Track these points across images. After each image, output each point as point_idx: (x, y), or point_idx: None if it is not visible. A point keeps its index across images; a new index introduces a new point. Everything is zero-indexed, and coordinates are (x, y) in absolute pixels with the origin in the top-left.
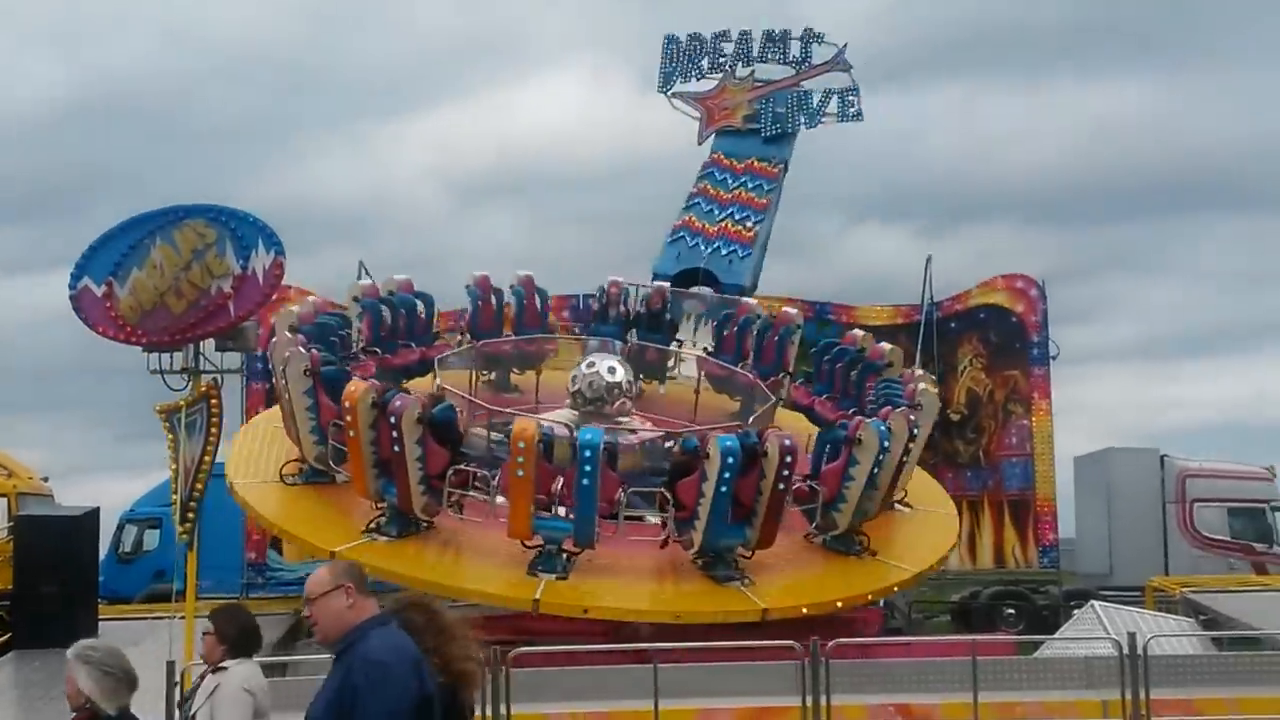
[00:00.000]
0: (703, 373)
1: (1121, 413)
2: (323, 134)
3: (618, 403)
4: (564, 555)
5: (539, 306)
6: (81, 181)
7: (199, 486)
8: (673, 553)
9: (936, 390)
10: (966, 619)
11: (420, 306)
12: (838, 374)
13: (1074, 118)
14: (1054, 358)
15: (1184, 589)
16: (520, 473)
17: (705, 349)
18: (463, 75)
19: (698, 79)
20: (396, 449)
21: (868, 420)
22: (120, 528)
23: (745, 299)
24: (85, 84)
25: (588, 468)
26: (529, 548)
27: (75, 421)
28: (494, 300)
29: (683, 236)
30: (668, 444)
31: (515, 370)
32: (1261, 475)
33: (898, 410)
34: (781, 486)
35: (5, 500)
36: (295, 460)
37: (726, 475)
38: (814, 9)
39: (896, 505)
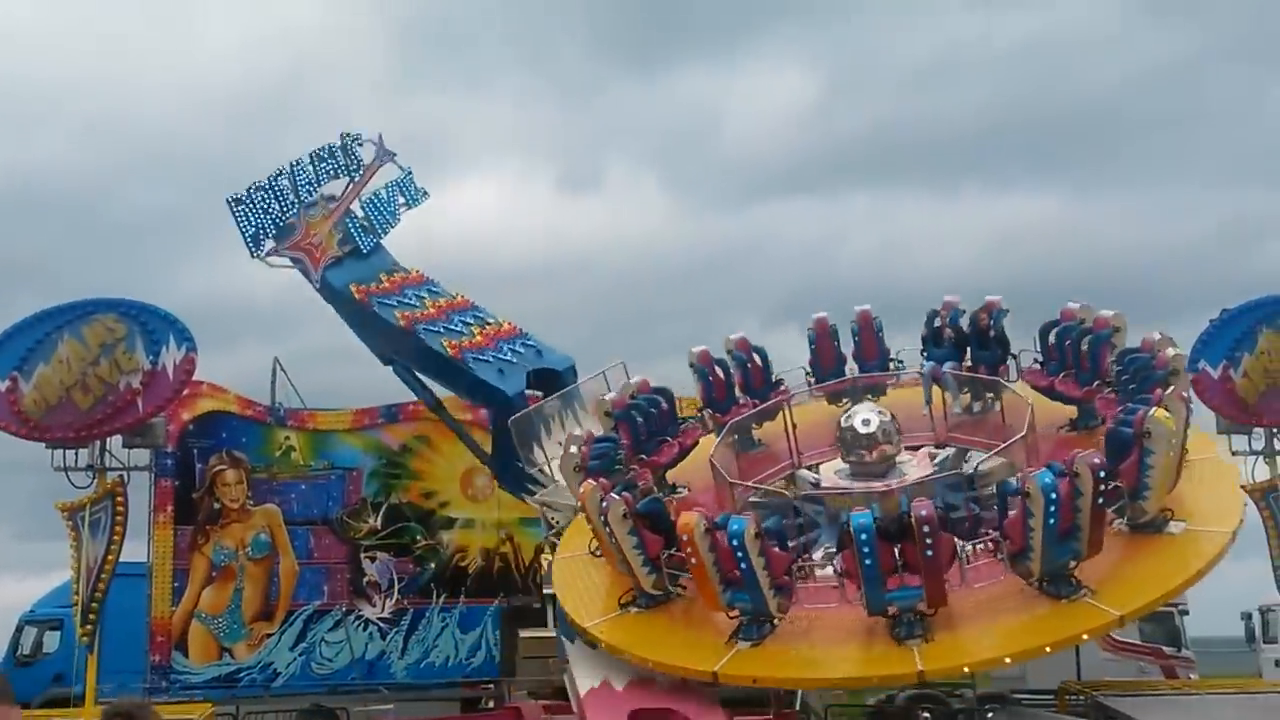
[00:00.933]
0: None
1: None
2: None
3: (875, 451)
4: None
5: (760, 364)
6: None
7: (101, 588)
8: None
9: (1176, 417)
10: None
11: (662, 402)
12: (1068, 351)
13: (983, 226)
14: None
15: (1096, 692)
16: (693, 560)
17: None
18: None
19: (280, 228)
20: (743, 566)
21: (1150, 412)
22: (19, 629)
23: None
24: (1, 178)
25: (739, 554)
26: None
27: None
28: (719, 371)
29: (477, 358)
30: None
31: (754, 426)
32: None
33: (1169, 391)
34: (1101, 501)
35: None
36: (629, 590)
37: (1052, 509)
38: (738, 116)
39: (1164, 523)
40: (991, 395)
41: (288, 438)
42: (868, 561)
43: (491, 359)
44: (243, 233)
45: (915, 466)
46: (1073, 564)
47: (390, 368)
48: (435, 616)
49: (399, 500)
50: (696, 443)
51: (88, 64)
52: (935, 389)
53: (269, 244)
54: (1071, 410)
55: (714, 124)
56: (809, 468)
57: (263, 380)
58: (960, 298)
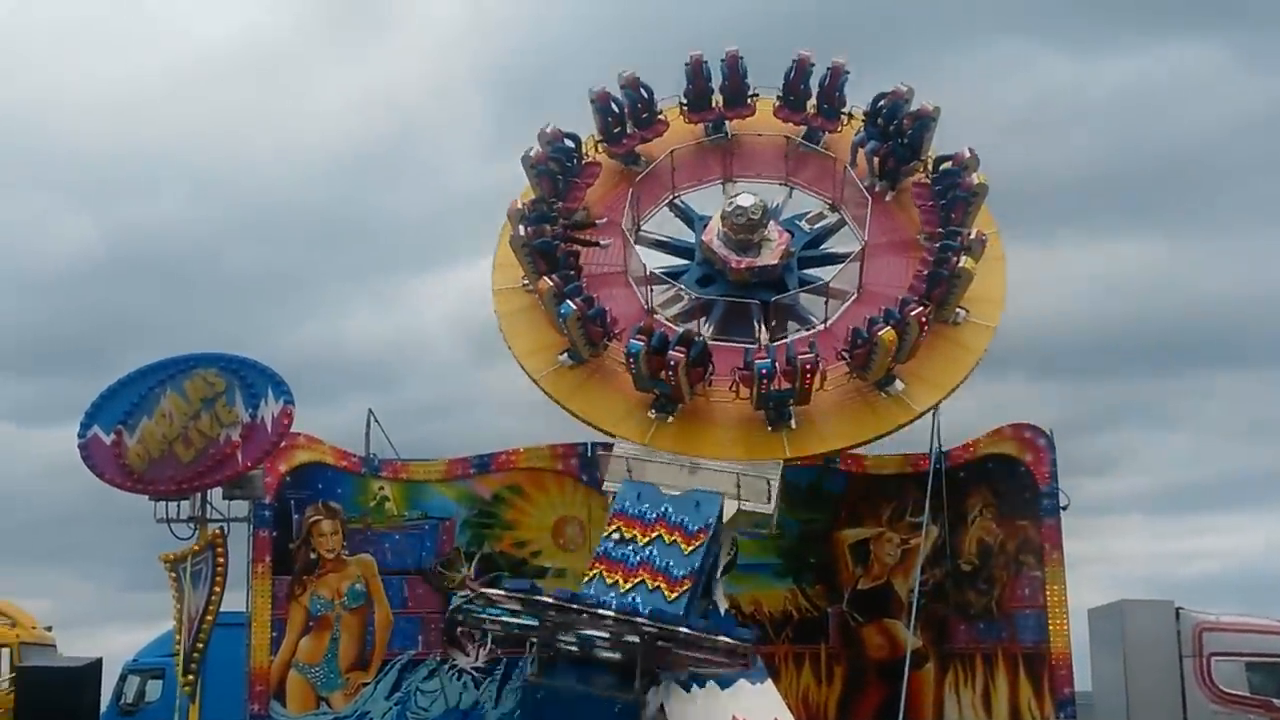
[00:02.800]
0: None
1: (1135, 564)
2: (348, 286)
3: (742, 235)
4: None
5: (740, 78)
6: (106, 334)
7: (203, 637)
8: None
9: (974, 265)
10: None
11: (643, 94)
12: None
13: (1080, 274)
14: (1064, 508)
15: None
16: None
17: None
18: (488, 230)
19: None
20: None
21: (881, 332)
22: (123, 678)
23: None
24: (116, 240)
25: (633, 363)
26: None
27: (83, 571)
28: (704, 75)
29: None
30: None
31: (730, 118)
32: (1279, 629)
33: (915, 312)
34: (805, 385)
35: (8, 651)
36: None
37: (760, 388)
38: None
39: (952, 315)
40: (888, 184)
41: (382, 488)
42: (634, 370)
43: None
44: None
45: (772, 249)
46: (790, 404)
47: None
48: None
49: (492, 550)
50: (597, 177)
51: (200, 126)
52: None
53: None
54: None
55: None
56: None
57: (358, 432)
58: (910, 89)
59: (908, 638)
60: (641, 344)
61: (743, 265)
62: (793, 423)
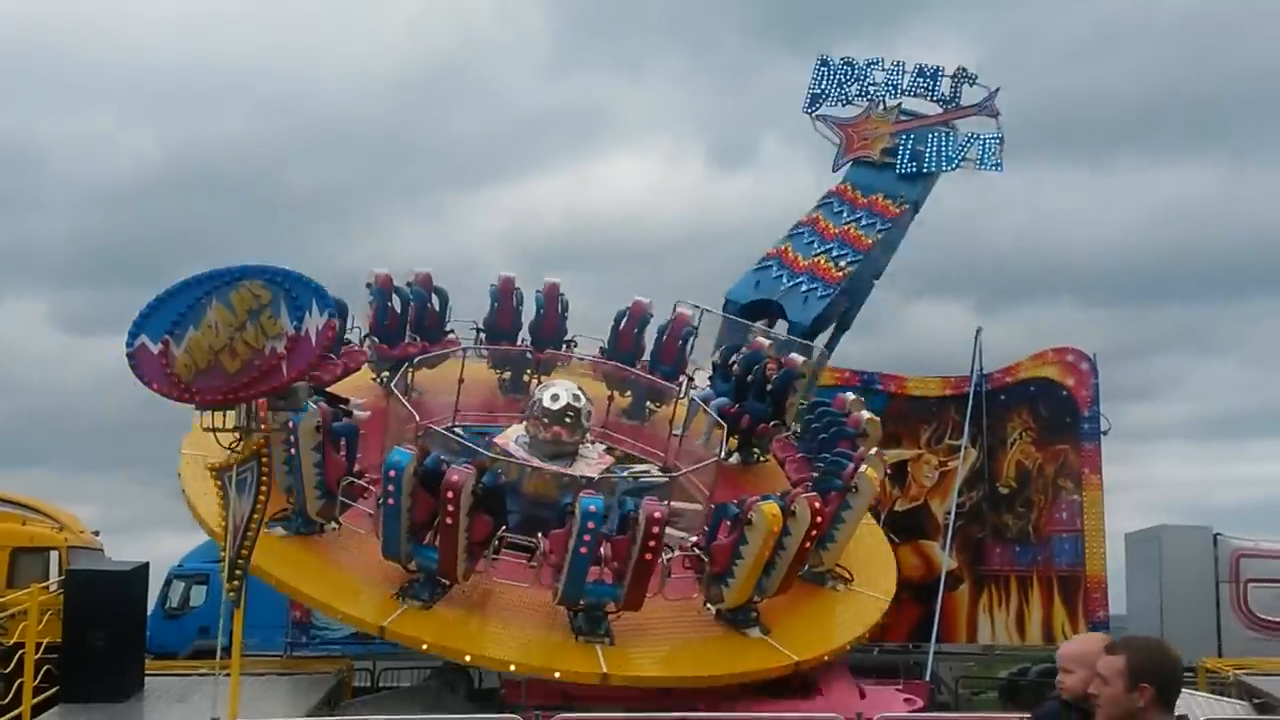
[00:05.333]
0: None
1: (1175, 490)
2: (404, 203)
3: (553, 430)
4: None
5: (559, 315)
6: (164, 247)
7: (248, 544)
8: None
9: (880, 477)
10: (1015, 695)
11: (435, 301)
12: (816, 435)
13: (1138, 200)
14: (1105, 433)
15: (1238, 671)
16: (390, 502)
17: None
18: (544, 149)
19: (844, 104)
20: (449, 521)
21: (762, 503)
22: (168, 583)
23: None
24: (176, 155)
25: (390, 489)
26: (408, 571)
27: (133, 477)
28: (514, 302)
29: (770, 266)
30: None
31: (529, 373)
32: None
33: (807, 495)
34: (648, 556)
35: (56, 554)
36: (284, 509)
37: (586, 537)
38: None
39: (831, 579)
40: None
41: None
42: (583, 550)
43: (763, 274)
44: (810, 86)
45: (591, 462)
46: (610, 606)
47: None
48: None
49: None
50: (360, 366)
51: (264, 44)
52: (699, 418)
53: (825, 109)
54: None
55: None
56: (465, 427)
57: None
58: (772, 344)
59: (943, 559)
60: (411, 454)
61: (548, 473)
62: (608, 638)
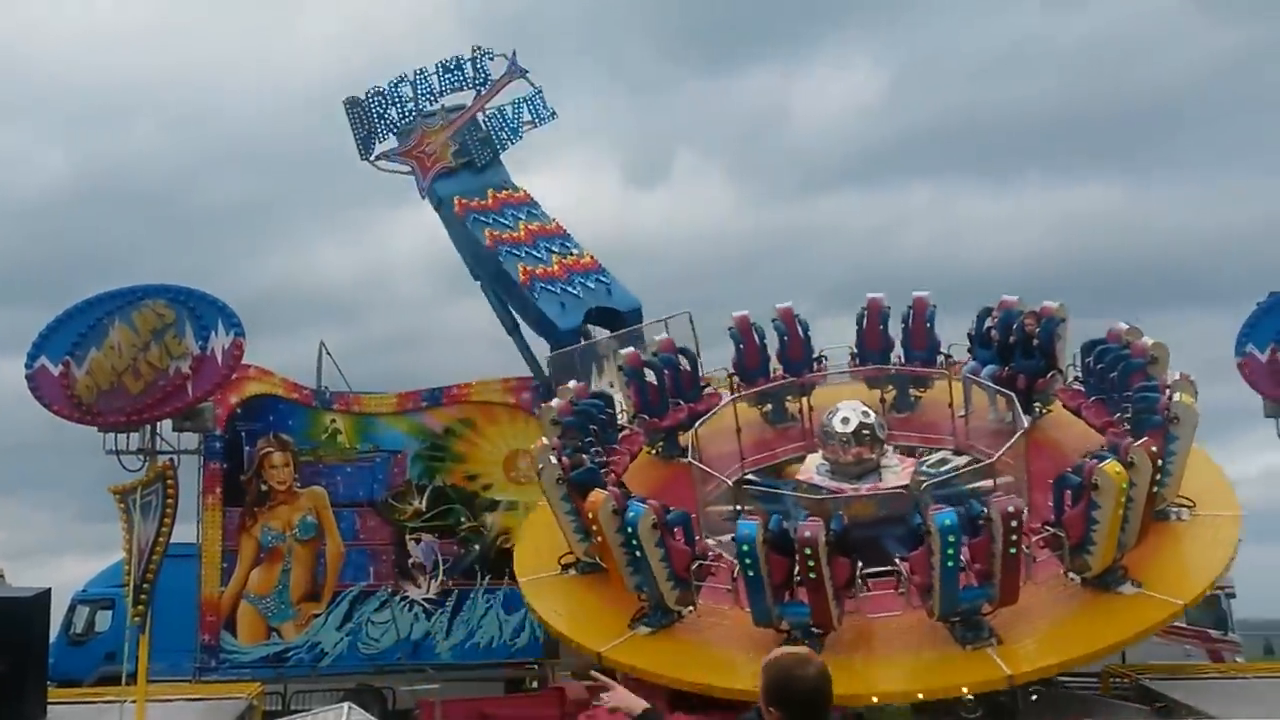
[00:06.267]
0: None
1: None
2: (318, 221)
3: (851, 452)
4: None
5: (802, 337)
6: (72, 265)
7: (153, 569)
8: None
9: (1195, 399)
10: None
11: (684, 362)
12: (1103, 374)
13: (1043, 215)
14: None
15: (1140, 675)
16: (598, 539)
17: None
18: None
19: (393, 134)
20: (812, 575)
21: (1103, 465)
22: (72, 609)
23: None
24: (85, 172)
25: (748, 561)
26: (780, 631)
27: (37, 502)
28: (756, 338)
29: (545, 288)
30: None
31: (789, 398)
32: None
33: (1139, 444)
34: (1013, 551)
35: None
36: (640, 609)
37: (950, 551)
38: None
39: (1172, 511)
40: (1008, 408)
41: (333, 421)
42: (750, 574)
43: (559, 290)
44: (355, 135)
45: (897, 470)
46: (986, 608)
47: (479, 284)
48: (480, 598)
49: (443, 482)
50: (710, 410)
51: (177, 57)
52: (976, 391)
53: (380, 148)
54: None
55: (781, 119)
56: (755, 472)
57: (310, 364)
58: (1020, 299)
59: None
60: (756, 524)
61: (863, 491)
62: (994, 639)
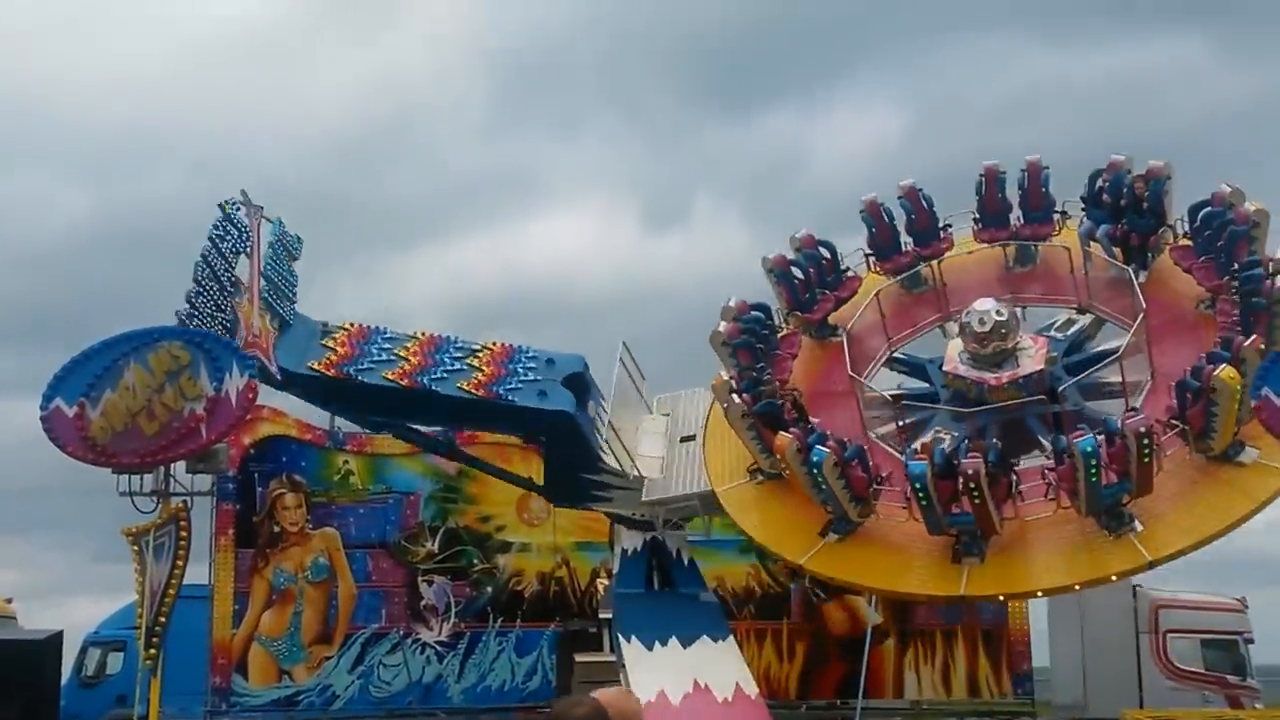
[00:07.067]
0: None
1: None
2: (337, 264)
3: (991, 345)
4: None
5: (927, 208)
6: (94, 308)
7: (165, 611)
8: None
9: (1265, 211)
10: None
11: (824, 253)
12: (1210, 239)
13: None
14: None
15: None
16: (786, 472)
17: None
18: (480, 210)
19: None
20: (978, 501)
21: (1219, 373)
22: (84, 650)
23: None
24: (109, 216)
25: (920, 493)
26: (950, 535)
27: (51, 543)
28: (886, 218)
29: (506, 389)
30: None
31: (920, 267)
32: (1234, 607)
33: (1249, 343)
34: (1146, 460)
35: None
36: (828, 521)
37: (1092, 470)
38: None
39: None
40: (1136, 266)
41: (346, 462)
42: (923, 503)
43: (520, 384)
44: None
45: (1031, 356)
46: (1125, 499)
47: (383, 432)
48: (492, 640)
49: (456, 524)
50: (855, 291)
51: (203, 106)
52: (1095, 250)
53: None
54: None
55: (798, 162)
56: (903, 352)
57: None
58: (1129, 158)
59: (869, 614)
60: (924, 464)
61: (1004, 379)
62: (1136, 524)
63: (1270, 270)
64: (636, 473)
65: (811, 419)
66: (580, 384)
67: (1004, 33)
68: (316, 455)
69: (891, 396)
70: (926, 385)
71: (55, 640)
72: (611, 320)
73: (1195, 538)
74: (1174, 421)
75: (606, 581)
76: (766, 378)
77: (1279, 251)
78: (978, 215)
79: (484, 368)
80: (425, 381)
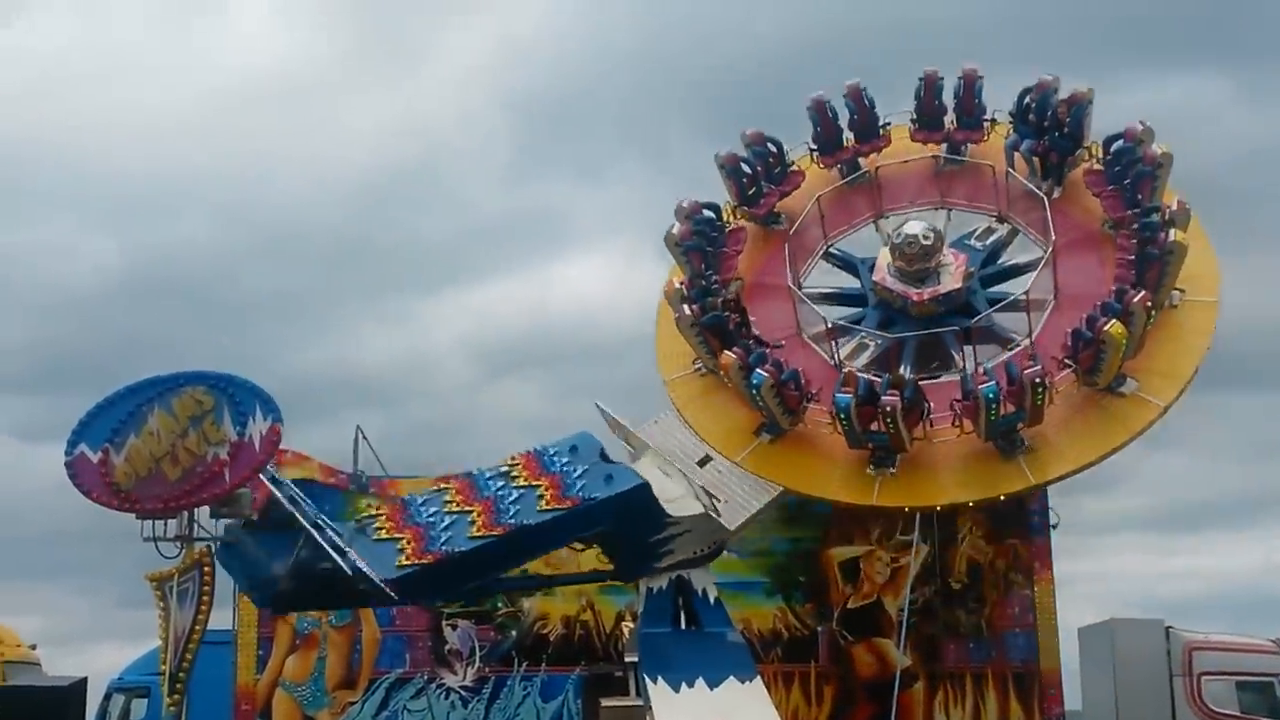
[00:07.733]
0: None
1: (1127, 583)
2: (364, 308)
3: (917, 265)
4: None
5: (869, 107)
6: (121, 354)
7: (189, 656)
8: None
9: (1185, 238)
10: None
11: (771, 148)
12: (1120, 174)
13: None
14: (1054, 526)
15: None
16: (728, 382)
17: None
18: (506, 252)
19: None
20: (889, 426)
21: (1109, 328)
22: (108, 696)
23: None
24: (135, 261)
25: (844, 420)
26: (867, 449)
27: (76, 588)
28: (829, 114)
29: (582, 495)
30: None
31: (862, 157)
32: (1269, 649)
33: (1138, 299)
34: (1039, 401)
35: None
36: (761, 422)
37: (992, 410)
38: None
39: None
40: (1053, 182)
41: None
42: (845, 425)
43: (580, 480)
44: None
45: (951, 273)
46: (1020, 426)
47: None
48: (517, 685)
49: None
50: (798, 186)
51: (227, 152)
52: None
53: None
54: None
55: None
56: (837, 247)
57: (348, 449)
58: (1056, 78)
59: (897, 656)
60: (849, 397)
61: (925, 297)
62: (1026, 445)
63: (1165, 219)
64: (711, 502)
65: (751, 318)
66: (605, 454)
67: (1021, 73)
68: (340, 498)
69: (823, 295)
70: (856, 284)
71: (79, 687)
72: (636, 361)
73: (1075, 464)
74: (1066, 361)
75: (631, 624)
76: (715, 287)
77: (1175, 202)
78: (915, 117)
79: (537, 482)
80: (512, 522)
